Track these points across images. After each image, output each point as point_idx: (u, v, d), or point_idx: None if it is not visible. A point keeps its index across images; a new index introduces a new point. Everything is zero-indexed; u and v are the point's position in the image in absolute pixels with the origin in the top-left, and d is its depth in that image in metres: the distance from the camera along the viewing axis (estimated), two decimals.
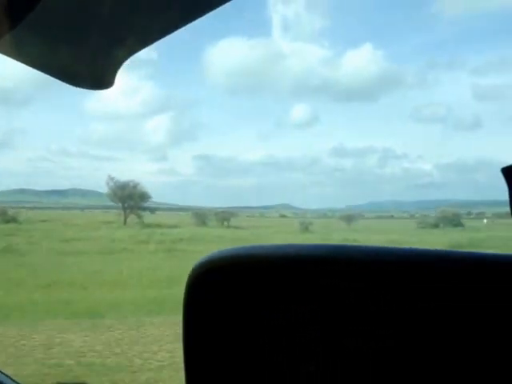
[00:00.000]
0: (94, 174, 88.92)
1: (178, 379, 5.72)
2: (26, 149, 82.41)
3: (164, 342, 7.02)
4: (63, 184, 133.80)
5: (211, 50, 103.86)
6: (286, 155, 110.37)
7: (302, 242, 0.54)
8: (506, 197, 0.54)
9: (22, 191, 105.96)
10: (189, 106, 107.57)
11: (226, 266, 0.51)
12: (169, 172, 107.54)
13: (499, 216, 34.24)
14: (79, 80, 1.19)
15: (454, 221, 30.48)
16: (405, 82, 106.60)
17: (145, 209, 31.23)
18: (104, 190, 30.93)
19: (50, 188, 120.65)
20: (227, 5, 0.94)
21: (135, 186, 30.04)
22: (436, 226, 30.40)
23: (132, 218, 28.70)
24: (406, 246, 0.49)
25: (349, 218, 33.27)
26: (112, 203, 31.02)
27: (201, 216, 30.32)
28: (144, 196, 30.15)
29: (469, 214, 48.23)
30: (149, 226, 26.29)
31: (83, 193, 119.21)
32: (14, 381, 1.43)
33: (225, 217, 30.41)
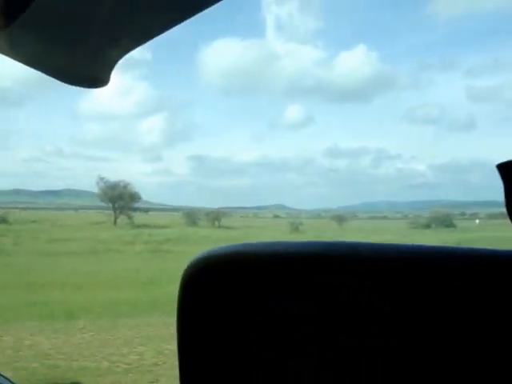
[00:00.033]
0: (89, 174, 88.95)
1: (141, 383, 5.65)
2: (21, 149, 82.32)
3: (135, 344, 6.94)
4: (58, 184, 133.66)
5: (205, 50, 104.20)
6: (280, 156, 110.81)
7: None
8: (500, 197, 0.52)
9: (17, 192, 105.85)
10: (183, 106, 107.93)
11: (216, 265, 0.52)
12: (163, 172, 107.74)
13: (492, 217, 34.51)
14: (74, 78, 1.21)
15: (445, 221, 30.60)
16: (399, 83, 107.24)
17: (135, 209, 31.15)
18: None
19: (44, 188, 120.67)
20: (221, 5, 0.96)
21: (125, 186, 29.94)
22: (428, 226, 30.50)
23: (122, 219, 28.61)
24: None
25: (340, 218, 33.26)
26: (102, 203, 30.91)
27: (191, 216, 30.23)
28: (134, 196, 30.04)
29: (462, 214, 48.49)
30: (138, 226, 26.24)
31: (77, 193, 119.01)
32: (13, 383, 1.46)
33: (215, 217, 30.35)
